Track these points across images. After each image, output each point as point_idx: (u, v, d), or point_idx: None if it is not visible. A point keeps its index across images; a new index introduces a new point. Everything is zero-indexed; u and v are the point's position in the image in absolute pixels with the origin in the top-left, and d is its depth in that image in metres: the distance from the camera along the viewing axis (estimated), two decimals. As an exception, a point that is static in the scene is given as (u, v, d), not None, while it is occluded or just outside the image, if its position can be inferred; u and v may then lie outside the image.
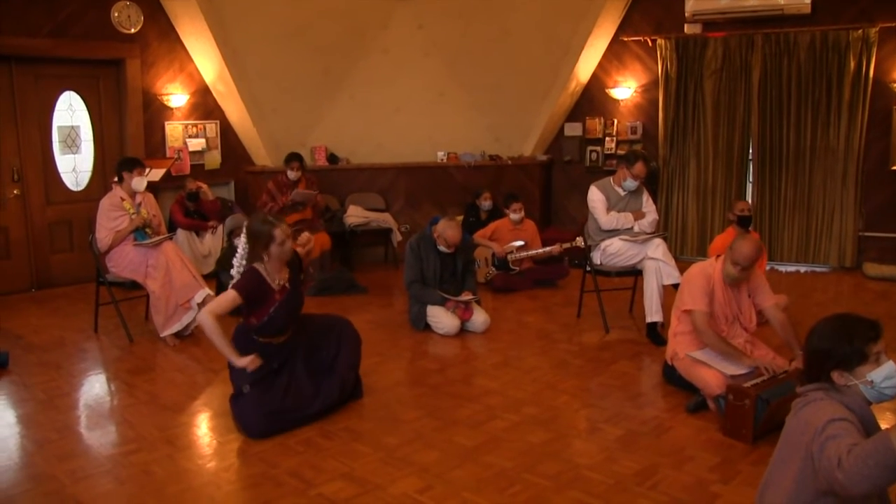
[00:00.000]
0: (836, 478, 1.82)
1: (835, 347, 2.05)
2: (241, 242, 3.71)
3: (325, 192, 7.37)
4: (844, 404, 2.01)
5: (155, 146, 7.36)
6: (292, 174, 6.77)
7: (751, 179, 7.62)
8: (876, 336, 2.05)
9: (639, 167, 5.23)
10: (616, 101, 8.18)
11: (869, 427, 2.03)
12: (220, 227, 7.23)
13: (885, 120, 6.92)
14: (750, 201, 7.52)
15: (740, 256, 3.78)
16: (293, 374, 3.73)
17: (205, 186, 7.21)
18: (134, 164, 5.28)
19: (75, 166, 7.09)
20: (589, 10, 7.61)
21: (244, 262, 3.69)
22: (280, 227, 3.59)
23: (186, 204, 7.11)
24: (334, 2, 7.40)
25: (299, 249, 3.92)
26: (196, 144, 7.64)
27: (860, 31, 6.81)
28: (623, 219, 5.28)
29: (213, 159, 7.82)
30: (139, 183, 5.24)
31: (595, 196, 5.35)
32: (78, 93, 7.00)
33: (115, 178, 5.30)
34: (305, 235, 3.95)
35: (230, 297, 3.53)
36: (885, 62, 6.85)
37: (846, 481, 1.80)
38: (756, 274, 4.02)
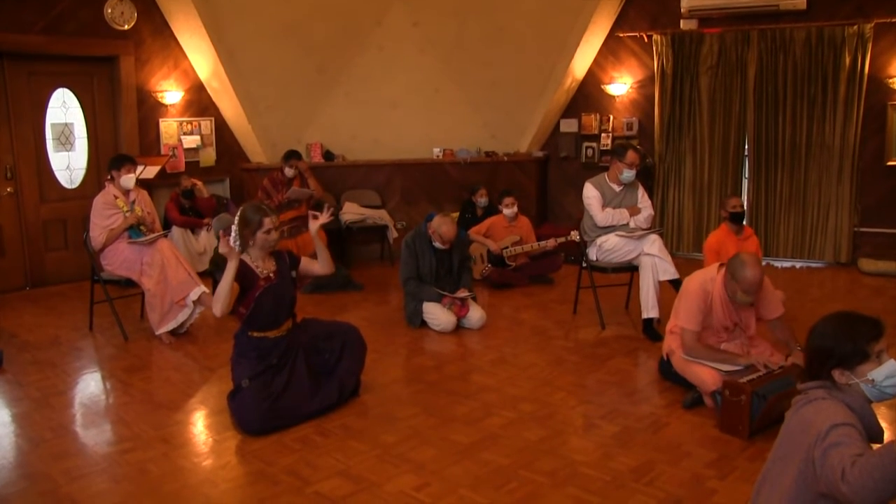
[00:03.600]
0: (840, 490, 1.81)
1: (836, 346, 2.04)
2: (233, 229, 3.74)
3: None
4: (846, 403, 2.00)
5: (149, 144, 7.33)
6: (289, 171, 6.74)
7: (746, 175, 7.62)
8: (878, 335, 2.04)
9: (630, 156, 5.23)
10: (612, 97, 8.18)
11: (869, 426, 2.02)
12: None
13: (881, 116, 6.93)
14: (746, 197, 7.53)
15: (749, 285, 3.63)
16: (293, 373, 3.74)
17: (199, 183, 7.19)
18: (123, 162, 5.26)
19: (69, 164, 7.06)
20: (584, 6, 7.60)
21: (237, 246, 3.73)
22: (271, 217, 3.69)
23: (181, 201, 7.09)
24: (329, -2, 7.39)
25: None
26: (191, 142, 7.61)
27: (855, 27, 6.81)
28: (618, 215, 5.27)
29: (208, 156, 7.79)
30: (128, 180, 5.23)
31: (590, 193, 5.34)
32: (71, 90, 6.96)
33: (109, 176, 5.28)
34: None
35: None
36: (881, 58, 6.85)
37: (851, 494, 1.78)
38: (764, 285, 3.83)
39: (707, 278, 3.88)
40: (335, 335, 3.94)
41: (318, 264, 3.97)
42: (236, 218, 3.77)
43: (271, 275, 3.74)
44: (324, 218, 3.91)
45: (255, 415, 3.55)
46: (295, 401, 3.67)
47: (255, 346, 3.71)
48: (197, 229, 7.12)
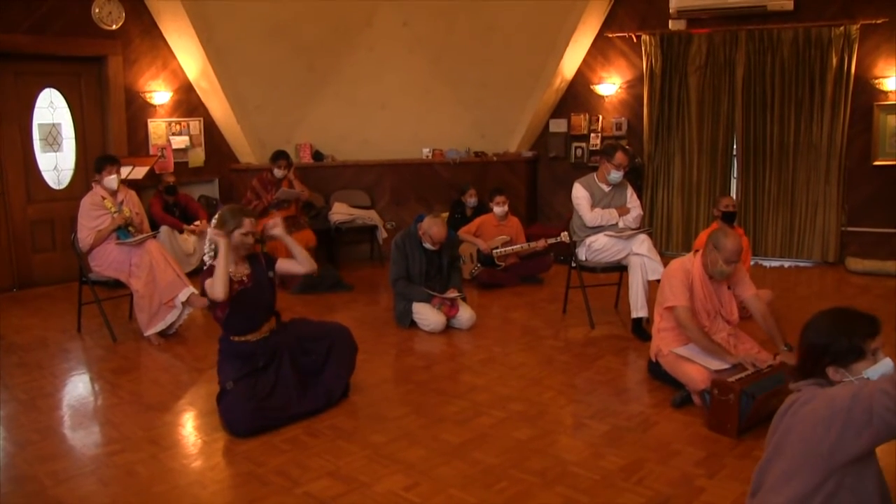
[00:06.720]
0: None
1: (832, 343, 1.98)
2: (209, 239, 3.71)
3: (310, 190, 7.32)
4: None
5: (138, 144, 7.29)
6: (278, 172, 6.72)
7: (735, 175, 7.66)
8: (874, 332, 1.98)
9: (619, 157, 5.25)
10: (601, 97, 8.20)
11: None
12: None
13: (867, 116, 6.98)
14: (734, 197, 7.56)
15: (730, 253, 3.80)
16: (279, 375, 3.72)
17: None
18: (104, 163, 5.24)
19: (57, 164, 7.01)
20: (574, 6, 7.62)
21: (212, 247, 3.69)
22: (250, 219, 3.70)
23: (165, 198, 7.03)
24: (318, -2, 7.37)
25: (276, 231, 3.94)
26: (179, 142, 7.57)
27: (842, 28, 6.86)
28: (607, 215, 5.29)
29: (197, 157, 7.76)
30: (111, 181, 5.21)
31: (579, 193, 5.36)
32: (59, 90, 6.92)
33: (95, 178, 5.26)
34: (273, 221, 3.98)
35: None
36: (867, 59, 6.91)
37: None
38: (737, 266, 4.04)
39: (685, 260, 4.04)
40: (324, 336, 3.91)
41: (296, 264, 3.94)
42: (214, 220, 3.73)
43: (244, 278, 3.72)
44: (278, 227, 3.92)
45: (242, 416, 3.53)
46: (281, 402, 3.66)
47: (237, 351, 3.70)
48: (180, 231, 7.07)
